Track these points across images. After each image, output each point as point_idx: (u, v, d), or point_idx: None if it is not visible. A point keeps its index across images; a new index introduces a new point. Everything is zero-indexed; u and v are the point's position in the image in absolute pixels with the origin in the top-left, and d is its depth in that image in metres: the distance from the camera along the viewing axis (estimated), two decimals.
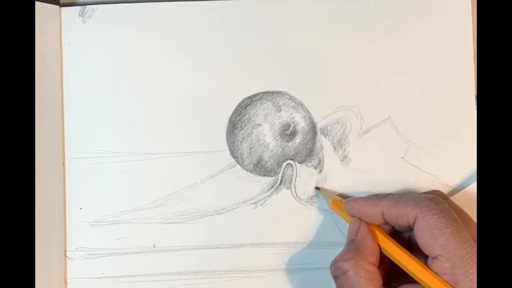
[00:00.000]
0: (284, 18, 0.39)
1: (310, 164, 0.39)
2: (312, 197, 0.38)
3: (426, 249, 0.31)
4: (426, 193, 0.35)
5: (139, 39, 0.39)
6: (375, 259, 0.33)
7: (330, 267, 0.34)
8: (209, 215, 0.38)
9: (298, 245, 0.38)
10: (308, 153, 0.39)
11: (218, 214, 0.38)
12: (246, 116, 0.39)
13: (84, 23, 0.39)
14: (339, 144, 0.38)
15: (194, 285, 0.38)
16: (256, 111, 0.39)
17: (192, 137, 0.38)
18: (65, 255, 0.38)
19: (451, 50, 0.39)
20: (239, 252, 0.38)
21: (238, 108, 0.39)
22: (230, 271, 0.38)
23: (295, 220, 0.38)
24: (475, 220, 0.32)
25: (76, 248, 0.38)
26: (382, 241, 0.33)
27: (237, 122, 0.39)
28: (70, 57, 0.39)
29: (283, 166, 0.38)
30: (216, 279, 0.38)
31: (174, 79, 0.39)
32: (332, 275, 0.33)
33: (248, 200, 0.38)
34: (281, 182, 0.38)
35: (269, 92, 0.39)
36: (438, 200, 0.31)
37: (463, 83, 0.38)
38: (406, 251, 0.32)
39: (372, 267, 0.32)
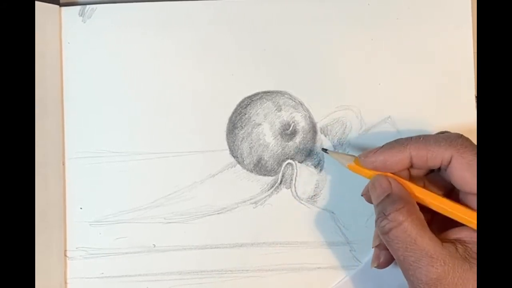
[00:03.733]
0: (284, 18, 0.39)
1: (310, 163, 0.39)
2: (312, 197, 0.38)
3: (466, 186, 0.30)
4: (440, 132, 0.34)
5: (139, 39, 0.39)
6: (417, 207, 0.32)
7: (380, 222, 0.31)
8: (209, 215, 0.38)
9: (298, 245, 0.38)
10: (308, 152, 0.39)
11: (218, 213, 0.38)
12: (246, 115, 0.39)
13: (84, 22, 0.39)
14: (339, 144, 0.38)
15: (194, 285, 0.38)
16: (256, 111, 0.39)
17: (192, 137, 0.38)
18: (65, 255, 0.38)
19: (451, 50, 0.39)
20: (239, 252, 0.38)
21: (238, 107, 0.39)
22: (230, 270, 0.38)
23: (295, 220, 0.38)
24: None
25: (76, 248, 0.38)
26: (416, 190, 0.32)
27: (237, 121, 0.39)
28: (70, 56, 0.39)
29: (283, 165, 0.38)
30: (216, 278, 0.38)
31: (174, 79, 0.39)
32: (382, 230, 0.31)
33: (248, 200, 0.38)
34: (281, 181, 0.38)
35: (269, 92, 0.39)
36: (467, 139, 0.31)
37: (463, 83, 0.38)
38: (439, 196, 0.32)
39: (421, 214, 0.31)
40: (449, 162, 0.31)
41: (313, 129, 0.39)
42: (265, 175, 0.38)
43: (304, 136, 0.39)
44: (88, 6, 0.39)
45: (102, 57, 0.39)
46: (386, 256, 0.34)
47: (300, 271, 0.38)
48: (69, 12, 0.39)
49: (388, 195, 0.32)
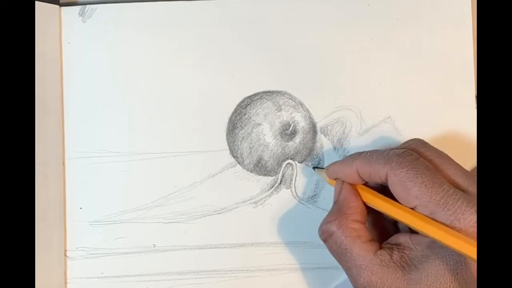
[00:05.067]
0: (284, 18, 0.39)
1: (310, 163, 0.39)
2: (312, 197, 0.38)
3: (403, 203, 0.31)
4: (403, 144, 0.34)
5: (139, 39, 0.39)
6: (359, 216, 0.33)
7: (318, 231, 0.34)
8: (209, 215, 0.38)
9: (298, 245, 0.38)
10: (308, 152, 0.39)
11: (218, 214, 0.38)
12: (246, 115, 0.39)
13: (84, 22, 0.39)
14: (339, 144, 0.38)
15: (194, 285, 0.38)
16: (256, 111, 0.39)
17: (192, 137, 0.38)
18: (65, 255, 0.38)
19: (451, 50, 0.39)
20: (239, 252, 0.38)
21: (238, 107, 0.39)
22: (230, 270, 0.38)
23: (295, 220, 0.38)
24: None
25: (76, 248, 0.38)
26: (365, 196, 0.33)
27: (237, 121, 0.39)
28: (70, 57, 0.39)
29: (283, 165, 0.39)
30: (216, 279, 0.38)
31: (174, 79, 0.39)
32: (321, 239, 0.33)
33: (248, 200, 0.38)
34: (281, 181, 0.38)
35: (269, 92, 0.39)
36: (407, 154, 0.31)
37: (463, 83, 0.38)
38: (392, 201, 0.32)
39: (357, 224, 0.32)
40: (386, 180, 0.32)
41: (313, 129, 0.39)
42: (265, 175, 0.39)
43: (304, 136, 0.39)
44: (88, 6, 0.39)
45: (102, 57, 0.39)
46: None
47: (300, 271, 0.38)
48: (69, 12, 0.39)
49: (335, 202, 0.34)
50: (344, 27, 0.39)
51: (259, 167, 0.39)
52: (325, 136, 0.39)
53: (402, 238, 0.32)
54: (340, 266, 0.38)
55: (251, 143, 0.39)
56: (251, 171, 0.38)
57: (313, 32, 0.39)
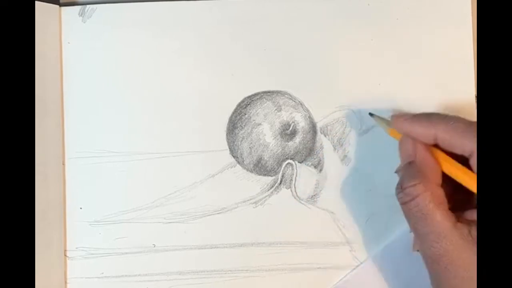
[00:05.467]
0: (284, 18, 0.39)
1: (310, 163, 0.39)
2: (312, 197, 0.38)
3: None
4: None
5: (139, 39, 0.39)
6: (439, 180, 0.32)
7: (397, 193, 0.32)
8: (209, 215, 0.38)
9: (298, 245, 0.38)
10: (308, 152, 0.39)
11: (218, 213, 0.38)
12: (246, 115, 0.39)
13: (84, 22, 0.39)
14: (339, 144, 0.38)
15: (194, 285, 0.38)
16: (256, 111, 0.39)
17: (192, 137, 0.38)
18: (65, 255, 0.38)
19: (451, 50, 0.39)
20: (239, 252, 0.38)
21: (238, 107, 0.39)
22: (230, 270, 0.38)
23: (295, 220, 0.38)
24: None
25: (76, 248, 0.38)
26: (444, 159, 0.32)
27: (237, 121, 0.39)
28: (70, 57, 0.39)
29: (283, 165, 0.38)
30: (216, 279, 0.38)
31: (174, 79, 0.39)
32: (400, 201, 0.32)
33: (248, 200, 0.38)
34: (281, 181, 0.38)
35: (269, 92, 0.39)
36: None
37: (463, 83, 0.38)
38: (468, 170, 0.31)
39: (439, 189, 0.31)
40: (471, 156, 0.31)
41: (313, 129, 0.39)
42: (265, 175, 0.38)
43: (304, 136, 0.39)
44: (88, 6, 0.39)
45: (102, 57, 0.39)
46: None
47: (300, 271, 0.38)
48: (69, 12, 0.39)
49: (410, 163, 0.32)
50: (344, 27, 0.39)
51: (259, 167, 0.39)
52: (325, 136, 0.39)
53: None
54: (340, 266, 0.38)
55: (251, 143, 0.39)
56: (251, 171, 0.38)
57: (313, 32, 0.39)
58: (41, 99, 0.37)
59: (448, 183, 0.32)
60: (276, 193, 0.38)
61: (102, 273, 0.38)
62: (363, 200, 0.38)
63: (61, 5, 0.39)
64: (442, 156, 0.32)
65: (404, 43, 0.39)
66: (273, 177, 0.38)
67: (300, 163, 0.39)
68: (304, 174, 0.38)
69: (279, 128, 0.39)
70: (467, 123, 0.32)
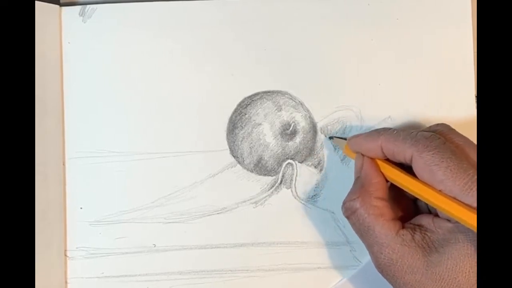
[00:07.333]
0: (284, 18, 0.39)
1: (311, 163, 0.39)
2: (312, 197, 0.38)
3: None
4: (429, 127, 0.34)
5: (139, 39, 0.39)
6: (381, 193, 0.33)
7: (342, 208, 0.34)
8: (209, 215, 0.38)
9: (298, 245, 0.38)
10: (308, 152, 0.39)
11: (218, 213, 0.38)
12: (247, 115, 0.39)
13: (84, 22, 0.39)
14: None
15: (194, 285, 0.38)
16: (256, 111, 0.39)
17: (192, 137, 0.38)
18: (65, 255, 0.38)
19: (451, 50, 0.39)
20: (239, 252, 0.38)
21: (239, 107, 0.39)
22: (230, 270, 0.38)
23: (295, 220, 0.38)
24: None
25: (76, 248, 0.38)
26: (388, 172, 0.33)
27: (237, 121, 0.39)
28: (70, 57, 0.39)
29: (284, 165, 0.39)
30: (216, 278, 0.38)
31: (174, 79, 0.39)
32: (344, 216, 0.34)
33: (248, 200, 0.38)
34: (281, 181, 0.38)
35: (269, 92, 0.39)
36: (434, 137, 0.31)
37: (463, 83, 0.39)
38: (414, 177, 0.32)
39: (380, 201, 0.32)
40: (411, 161, 0.32)
41: (313, 129, 0.39)
42: (265, 175, 0.39)
43: (304, 136, 0.39)
44: (88, 6, 0.39)
45: (102, 57, 0.39)
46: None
47: (300, 271, 0.38)
48: (69, 12, 0.39)
49: (357, 178, 0.34)
50: (344, 27, 0.39)
51: (259, 167, 0.39)
52: (325, 136, 0.39)
53: (424, 220, 0.32)
54: (340, 266, 0.38)
55: (251, 143, 0.39)
56: (251, 171, 0.38)
57: (313, 32, 0.39)
58: (41, 99, 0.37)
59: (396, 191, 0.34)
60: (276, 193, 0.38)
61: (102, 273, 0.38)
62: None
63: (61, 5, 0.39)
64: (387, 168, 0.33)
65: (404, 43, 0.39)
66: (274, 177, 0.38)
67: (301, 163, 0.39)
68: (304, 174, 0.38)
69: (279, 128, 0.39)
70: (408, 131, 0.33)
